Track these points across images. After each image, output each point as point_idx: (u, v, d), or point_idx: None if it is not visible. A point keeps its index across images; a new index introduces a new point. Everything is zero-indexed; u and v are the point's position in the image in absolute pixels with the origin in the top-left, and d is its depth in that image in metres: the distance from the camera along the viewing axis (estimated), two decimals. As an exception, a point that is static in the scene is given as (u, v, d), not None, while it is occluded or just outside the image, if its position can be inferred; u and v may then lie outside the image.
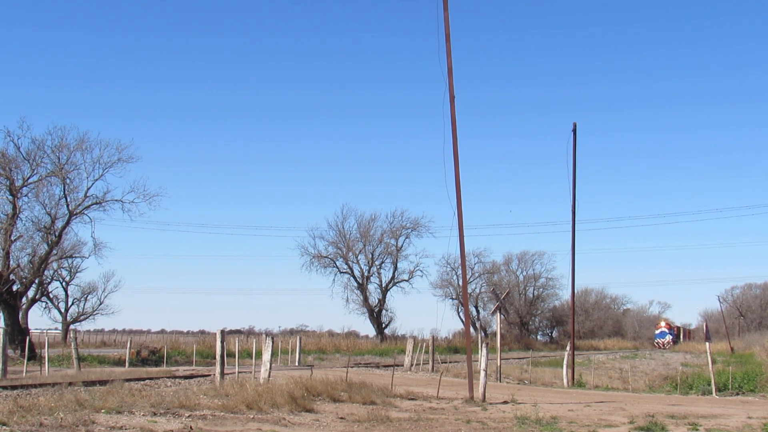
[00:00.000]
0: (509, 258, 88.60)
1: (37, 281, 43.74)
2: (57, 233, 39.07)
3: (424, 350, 36.35)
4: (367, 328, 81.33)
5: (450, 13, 19.84)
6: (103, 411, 13.28)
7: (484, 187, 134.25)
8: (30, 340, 33.20)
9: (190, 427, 12.31)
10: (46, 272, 45.99)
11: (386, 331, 71.10)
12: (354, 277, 70.59)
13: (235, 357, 25.58)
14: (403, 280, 71.56)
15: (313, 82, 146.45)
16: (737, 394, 25.97)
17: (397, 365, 32.75)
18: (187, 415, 13.66)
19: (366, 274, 70.94)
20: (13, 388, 18.90)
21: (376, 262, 71.36)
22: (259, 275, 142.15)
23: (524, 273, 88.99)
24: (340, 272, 70.46)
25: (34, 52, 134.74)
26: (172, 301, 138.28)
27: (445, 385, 21.95)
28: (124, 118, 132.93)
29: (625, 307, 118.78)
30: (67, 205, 38.75)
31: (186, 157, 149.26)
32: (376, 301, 71.02)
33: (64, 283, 55.85)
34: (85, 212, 39.59)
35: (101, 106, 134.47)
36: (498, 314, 33.31)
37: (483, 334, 76.24)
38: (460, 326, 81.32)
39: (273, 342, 22.19)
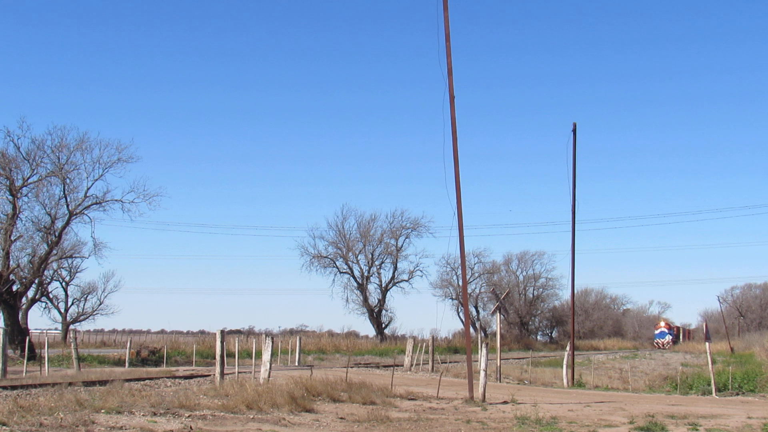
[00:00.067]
0: (509, 258, 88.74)
1: (37, 281, 43.75)
2: (57, 233, 39.08)
3: (424, 350, 36.35)
4: (367, 328, 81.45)
5: (450, 13, 19.87)
6: (103, 411, 13.28)
7: (484, 187, 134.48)
8: (30, 340, 33.18)
9: (190, 427, 12.32)
10: (46, 272, 46.00)
11: (386, 331, 71.14)
12: (354, 277, 70.66)
13: (235, 357, 25.59)
14: (403, 280, 71.65)
15: (313, 82, 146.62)
16: (737, 394, 25.97)
17: (397, 365, 32.74)
18: (187, 415, 13.66)
19: (366, 274, 70.99)
20: (13, 388, 18.90)
21: (376, 262, 71.44)
22: (259, 275, 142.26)
23: (524, 273, 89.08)
24: (340, 272, 70.56)
25: (34, 52, 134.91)
26: (172, 301, 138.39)
27: (445, 385, 21.95)
28: (124, 118, 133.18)
29: (625, 307, 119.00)
30: (67, 205, 38.80)
31: (186, 157, 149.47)
32: (376, 301, 71.04)
33: (64, 283, 55.92)
34: (85, 212, 39.65)
35: (101, 106, 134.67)
36: (498, 314, 33.31)
37: (483, 334, 76.25)
38: (460, 326, 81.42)
39: (273, 342, 22.19)
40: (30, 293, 45.30)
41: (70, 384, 18.69)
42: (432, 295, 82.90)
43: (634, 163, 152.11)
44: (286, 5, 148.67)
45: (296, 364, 36.71)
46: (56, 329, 57.09)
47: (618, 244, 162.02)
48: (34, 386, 19.05)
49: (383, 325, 71.02)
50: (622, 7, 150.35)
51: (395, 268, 71.42)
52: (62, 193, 38.53)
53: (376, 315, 70.50)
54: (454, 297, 79.38)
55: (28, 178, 37.74)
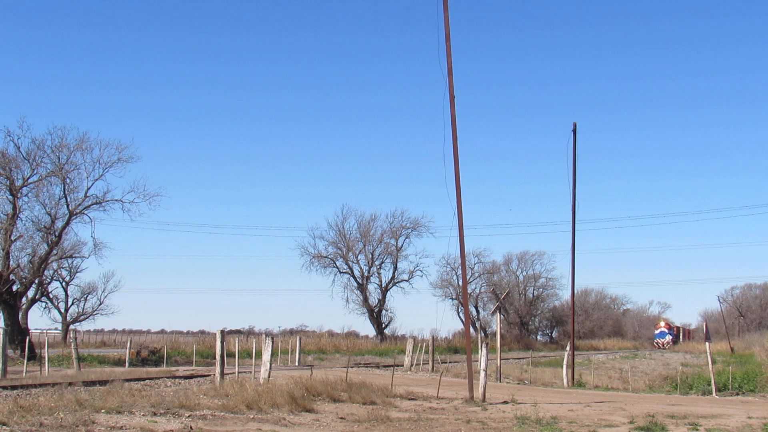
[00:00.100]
0: (509, 258, 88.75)
1: (37, 281, 43.74)
2: (57, 233, 39.07)
3: (424, 350, 36.35)
4: (367, 328, 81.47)
5: (450, 13, 19.87)
6: (103, 411, 13.28)
7: (484, 187, 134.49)
8: (30, 340, 33.18)
9: (190, 427, 12.31)
10: (46, 272, 45.99)
11: (386, 331, 71.14)
12: (354, 277, 70.66)
13: (235, 357, 25.58)
14: (403, 280, 71.65)
15: (313, 82, 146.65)
16: (737, 394, 25.97)
17: (397, 365, 32.74)
18: (187, 415, 13.66)
19: (366, 274, 70.99)
20: (13, 388, 18.90)
21: (376, 262, 71.43)
22: (259, 275, 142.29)
23: (524, 273, 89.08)
24: (340, 272, 70.56)
25: (34, 52, 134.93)
26: (172, 301, 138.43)
27: (445, 385, 21.95)
28: (124, 118, 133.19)
29: (625, 307, 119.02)
30: (67, 205, 38.80)
31: (186, 157, 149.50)
32: (376, 301, 71.04)
33: (64, 283, 55.91)
34: (85, 212, 39.65)
35: (101, 106, 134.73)
36: (498, 314, 33.30)
37: (483, 334, 76.24)
38: (460, 326, 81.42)
39: (273, 342, 22.19)
40: (30, 293, 45.30)
41: (70, 384, 18.69)
42: (432, 295, 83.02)
43: (634, 163, 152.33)
44: (286, 5, 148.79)
45: (296, 364, 36.71)
46: (56, 329, 57.11)
47: (618, 244, 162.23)
48: (34, 386, 19.04)
49: (383, 325, 71.03)
50: (622, 7, 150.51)
51: (395, 268, 71.52)
52: (62, 193, 38.58)
53: (376, 315, 70.49)
54: (454, 297, 79.39)
55: (28, 178, 37.77)
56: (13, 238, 37.33)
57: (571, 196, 31.06)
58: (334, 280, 70.44)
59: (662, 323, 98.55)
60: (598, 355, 63.74)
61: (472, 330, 59.19)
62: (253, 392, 16.15)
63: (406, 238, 71.51)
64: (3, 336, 24.65)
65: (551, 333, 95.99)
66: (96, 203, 39.48)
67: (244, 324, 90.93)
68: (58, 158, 38.12)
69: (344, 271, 70.54)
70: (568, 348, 30.84)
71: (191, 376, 25.38)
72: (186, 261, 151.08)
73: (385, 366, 35.95)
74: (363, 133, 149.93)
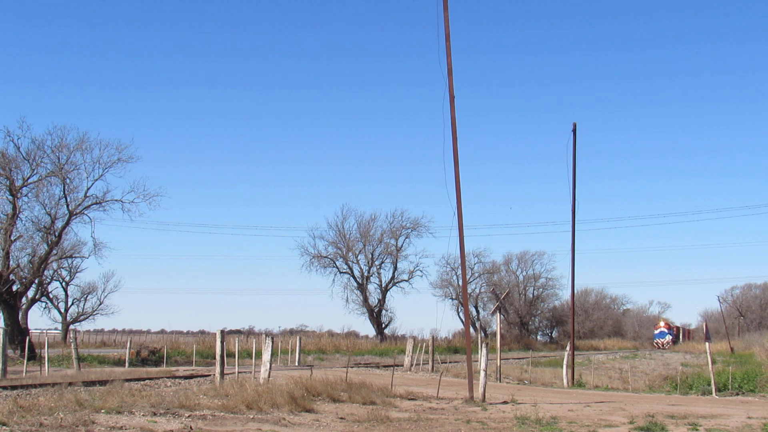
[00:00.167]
0: (509, 258, 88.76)
1: (37, 281, 43.75)
2: (57, 233, 39.08)
3: (424, 350, 36.35)
4: (366, 328, 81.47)
5: (450, 13, 19.86)
6: (103, 411, 13.28)
7: (484, 187, 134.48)
8: (30, 340, 33.18)
9: (190, 427, 12.32)
10: (46, 272, 45.99)
11: (386, 331, 71.15)
12: (354, 277, 70.67)
13: (235, 357, 25.59)
14: (403, 280, 71.66)
15: (313, 82, 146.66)
16: (737, 394, 25.97)
17: (397, 365, 32.74)
18: (187, 415, 13.66)
19: (366, 274, 71.00)
20: (13, 388, 18.90)
21: (376, 262, 71.45)
22: (259, 275, 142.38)
23: (524, 273, 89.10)
24: (340, 272, 70.57)
25: (34, 52, 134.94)
26: (172, 301, 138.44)
27: (445, 385, 21.95)
28: (124, 118, 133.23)
29: (625, 307, 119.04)
30: (67, 205, 38.80)
31: (186, 157, 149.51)
32: (376, 301, 71.05)
33: (63, 283, 55.92)
34: (85, 212, 39.65)
35: (101, 106, 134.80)
36: (498, 314, 33.30)
37: (483, 334, 76.24)
38: (460, 326, 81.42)
39: (273, 342, 22.19)
40: (30, 293, 45.31)
41: (70, 384, 18.69)
42: (432, 295, 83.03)
43: (634, 163, 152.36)
44: (286, 5, 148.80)
45: (296, 364, 36.72)
46: (56, 329, 57.10)
47: (618, 244, 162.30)
48: (34, 386, 19.05)
49: (383, 325, 71.03)
50: (622, 7, 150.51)
51: (395, 268, 71.53)
52: (62, 193, 38.58)
53: (376, 315, 70.50)
54: (454, 297, 79.39)
55: (28, 178, 37.77)
56: (13, 238, 37.34)
57: (571, 196, 31.10)
58: (334, 280, 70.57)
59: (662, 323, 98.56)
60: (598, 355, 63.74)
61: (472, 330, 59.19)
62: (253, 392, 16.15)
63: (406, 238, 71.61)
64: (3, 336, 24.65)
65: (551, 333, 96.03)
66: (96, 203, 39.52)
67: (244, 324, 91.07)
68: (58, 158, 38.18)
69: (344, 271, 70.62)
70: (568, 348, 30.84)
71: (191, 376, 25.38)
72: (186, 261, 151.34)
73: (385, 366, 35.95)
74: (363, 133, 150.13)
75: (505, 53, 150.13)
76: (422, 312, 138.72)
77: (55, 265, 48.98)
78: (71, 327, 55.71)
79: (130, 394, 16.36)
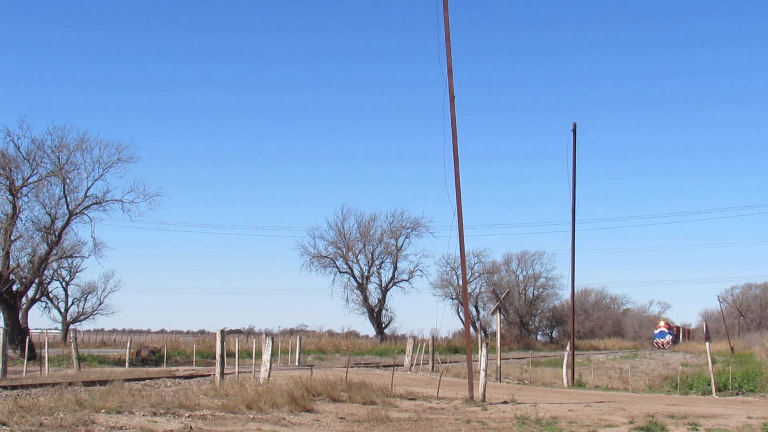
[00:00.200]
0: (509, 258, 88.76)
1: (37, 281, 43.74)
2: (57, 233, 39.08)
3: (424, 350, 36.35)
4: (367, 328, 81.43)
5: (450, 13, 19.86)
6: (103, 411, 13.28)
7: (484, 187, 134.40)
8: (30, 340, 33.18)
9: (190, 427, 12.32)
10: (46, 272, 45.98)
11: (386, 331, 71.15)
12: (354, 277, 70.68)
13: (235, 357, 25.59)
14: (403, 280, 71.66)
15: (313, 82, 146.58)
16: (737, 394, 25.97)
17: (397, 365, 32.74)
18: (187, 415, 13.66)
19: (366, 274, 71.00)
20: (13, 388, 18.90)
21: (376, 262, 71.45)
22: (259, 275, 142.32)
23: (524, 273, 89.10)
24: (340, 272, 70.57)
25: (34, 52, 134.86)
26: (172, 301, 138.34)
27: (445, 385, 21.95)
28: (124, 118, 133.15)
29: (625, 307, 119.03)
30: (67, 205, 38.80)
31: (186, 157, 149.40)
32: (376, 301, 71.05)
33: (64, 283, 55.90)
34: (85, 212, 39.66)
35: (101, 106, 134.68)
36: (498, 314, 33.31)
37: (483, 334, 76.24)
38: (460, 326, 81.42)
39: (273, 342, 22.19)
40: (30, 293, 45.31)
41: (70, 384, 18.69)
42: (432, 295, 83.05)
43: (634, 163, 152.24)
44: (286, 5, 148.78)
45: (296, 364, 36.72)
46: (56, 329, 57.10)
47: (618, 244, 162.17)
48: (34, 386, 19.05)
49: (383, 325, 71.03)
50: (622, 7, 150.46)
51: (395, 268, 71.53)
52: (62, 193, 38.59)
53: (376, 315, 70.50)
54: (454, 297, 79.40)
55: (28, 178, 37.77)
56: (13, 238, 37.34)
57: (571, 196, 31.10)
58: (334, 280, 70.58)
59: (662, 323, 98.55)
60: (598, 355, 63.75)
61: (472, 330, 59.17)
62: (253, 392, 16.15)
63: (406, 238, 71.62)
64: (3, 336, 24.65)
65: (551, 333, 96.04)
66: (96, 203, 39.53)
67: (244, 324, 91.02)
68: (58, 158, 38.18)
69: (344, 271, 70.63)
70: (568, 348, 30.84)
71: (191, 376, 25.38)
72: (186, 261, 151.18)
73: (385, 366, 35.95)
74: (363, 133, 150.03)
75: (505, 53, 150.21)
76: (422, 312, 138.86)
77: (55, 265, 48.99)
78: (71, 327, 55.71)
79: (130, 394, 16.36)
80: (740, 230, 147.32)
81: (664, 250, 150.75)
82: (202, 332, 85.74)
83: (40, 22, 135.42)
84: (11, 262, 37.32)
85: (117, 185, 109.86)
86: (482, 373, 19.15)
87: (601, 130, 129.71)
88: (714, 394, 24.51)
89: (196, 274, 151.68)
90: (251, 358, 27.01)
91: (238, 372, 22.86)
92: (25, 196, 38.07)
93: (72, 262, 51.71)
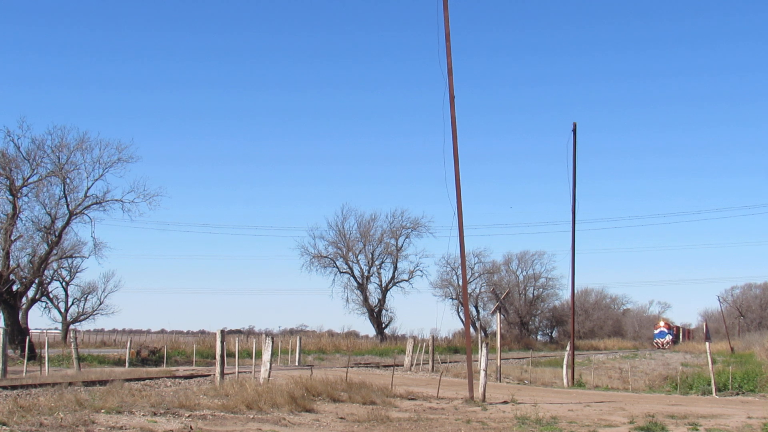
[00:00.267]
0: (509, 258, 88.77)
1: (37, 281, 43.74)
2: (57, 233, 39.08)
3: (424, 350, 36.35)
4: (367, 328, 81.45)
5: (450, 13, 19.86)
6: (103, 411, 13.27)
7: (484, 187, 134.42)
8: (30, 340, 33.18)
9: (190, 427, 12.32)
10: (46, 272, 45.99)
11: (386, 331, 71.15)
12: (354, 277, 70.67)
13: (235, 357, 25.59)
14: (403, 280, 71.66)
15: (313, 82, 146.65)
16: (737, 394, 25.97)
17: (397, 365, 32.74)
18: (187, 415, 13.66)
19: (366, 274, 71.00)
20: (13, 388, 18.90)
21: (376, 262, 71.45)
22: (259, 275, 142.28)
23: (524, 273, 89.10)
24: (340, 272, 70.57)
25: (34, 52, 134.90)
26: (172, 301, 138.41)
27: (445, 385, 21.95)
28: (124, 118, 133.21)
29: (625, 307, 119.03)
30: (67, 205, 38.80)
31: (186, 157, 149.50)
32: (376, 301, 71.05)
33: (64, 283, 55.90)
34: (85, 212, 39.66)
35: (101, 106, 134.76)
36: (498, 314, 33.30)
37: (483, 334, 76.25)
38: (460, 326, 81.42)
39: (273, 342, 22.19)
40: (30, 293, 45.32)
41: (70, 384, 18.69)
42: (432, 295, 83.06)
43: (634, 163, 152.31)
44: (286, 5, 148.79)
45: (296, 364, 36.72)
46: (56, 329, 57.10)
47: (618, 244, 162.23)
48: (34, 386, 19.05)
49: (383, 325, 71.03)
50: (622, 7, 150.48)
51: (395, 268, 71.53)
52: (62, 193, 38.59)
53: (376, 315, 70.50)
54: (454, 297, 79.40)
55: (28, 178, 37.77)
56: (13, 238, 37.33)
57: (571, 196, 31.10)
58: (334, 280, 70.58)
59: (662, 323, 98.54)
60: (598, 355, 63.74)
61: (472, 330, 59.16)
62: (253, 392, 16.15)
63: (406, 238, 71.62)
64: (3, 336, 24.65)
65: (551, 333, 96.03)
66: (96, 203, 39.52)
67: (244, 324, 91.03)
68: (58, 158, 38.18)
69: (344, 271, 70.63)
70: (568, 348, 30.83)
71: (191, 376, 25.38)
72: (186, 261, 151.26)
73: (385, 366, 35.95)
74: (363, 133, 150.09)
75: (505, 53, 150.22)
76: (422, 312, 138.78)
77: (55, 265, 48.99)
78: (71, 327, 55.69)
79: (130, 394, 16.36)
80: (740, 230, 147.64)
81: (664, 250, 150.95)
82: (202, 332, 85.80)
83: (40, 22, 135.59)
84: (11, 262, 37.32)
85: (117, 185, 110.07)
86: (482, 373, 19.15)
87: (601, 130, 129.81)
88: (714, 394, 24.51)
89: (196, 274, 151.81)
90: (251, 358, 27.01)
91: (238, 372, 22.86)
92: (25, 196, 38.12)
93: (72, 262, 51.77)
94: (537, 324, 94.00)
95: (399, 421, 14.40)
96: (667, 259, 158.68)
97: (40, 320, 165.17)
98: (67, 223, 39.06)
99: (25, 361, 28.48)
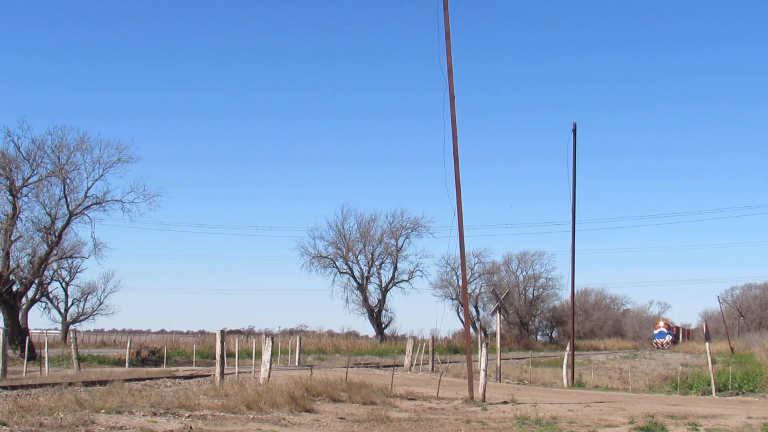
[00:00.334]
0: (509, 258, 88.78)
1: (37, 281, 43.74)
2: (57, 233, 39.06)
3: (424, 350, 36.35)
4: (366, 328, 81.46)
5: (450, 13, 19.86)
6: (103, 411, 13.28)
7: (484, 187, 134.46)
8: (30, 341, 33.17)
9: (190, 427, 12.32)
10: (46, 272, 45.99)
11: (386, 331, 71.14)
12: (354, 277, 70.65)
13: (235, 357, 25.59)
14: (403, 281, 71.64)
15: (313, 82, 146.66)
16: (737, 394, 25.97)
17: (397, 365, 32.73)
18: (187, 415, 13.66)
19: (366, 274, 70.99)
20: (13, 388, 18.90)
21: (376, 263, 71.44)
22: (259, 275, 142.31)
23: (524, 273, 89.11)
24: (340, 272, 70.56)
25: (34, 52, 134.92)
26: (172, 301, 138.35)
27: (445, 385, 21.95)
28: (124, 118, 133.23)
29: (624, 308, 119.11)
30: (67, 205, 38.78)
31: (186, 157, 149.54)
32: (376, 301, 71.04)
33: (63, 284, 55.90)
34: (85, 212, 39.63)
35: (101, 106, 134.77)
36: (498, 314, 33.30)
37: (483, 334, 76.25)
38: (460, 326, 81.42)
39: (273, 342, 22.19)
40: (30, 293, 45.29)
41: (70, 384, 18.69)
42: (432, 295, 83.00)
43: (634, 163, 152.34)
44: (286, 5, 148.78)
45: (296, 364, 36.71)
46: (56, 329, 57.09)
47: (618, 244, 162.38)
48: (34, 386, 19.05)
49: (383, 325, 71.02)
50: (622, 7, 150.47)
51: (395, 268, 71.52)
52: (62, 193, 38.56)
53: (376, 315, 70.49)
54: (454, 297, 79.39)
55: (28, 178, 37.75)
56: (13, 238, 37.32)
57: (571, 196, 31.10)
58: (334, 280, 70.57)
59: (661, 323, 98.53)
60: (598, 355, 63.74)
61: (472, 330, 59.20)
62: (253, 392, 16.15)
63: (406, 238, 71.61)
64: (3, 336, 24.64)
65: (551, 333, 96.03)
66: (96, 203, 39.50)
67: (244, 324, 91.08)
68: (58, 158, 38.15)
69: (344, 271, 70.62)
70: (568, 348, 30.83)
71: (191, 376, 25.38)
72: (186, 261, 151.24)
73: (385, 366, 35.95)
74: (363, 133, 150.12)
75: (505, 53, 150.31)
76: (422, 312, 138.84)
77: (55, 265, 49.00)
78: (71, 327, 55.70)
79: (130, 394, 16.36)
80: (740, 230, 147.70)
81: (664, 250, 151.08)
82: (202, 332, 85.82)
83: (40, 22, 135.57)
84: (11, 262, 37.31)
85: (117, 185, 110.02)
86: (482, 374, 19.15)
87: (601, 130, 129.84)
88: (714, 394, 24.52)
89: (196, 274, 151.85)
90: (251, 359, 27.01)
91: (238, 372, 22.86)
92: (25, 196, 38.10)
93: (72, 262, 51.78)
94: (537, 324, 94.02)
95: (399, 422, 14.40)
96: (667, 259, 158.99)
97: (40, 320, 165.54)
98: (67, 224, 39.06)
99: (25, 361, 28.47)
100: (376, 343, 65.46)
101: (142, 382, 21.96)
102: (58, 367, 29.51)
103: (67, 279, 55.52)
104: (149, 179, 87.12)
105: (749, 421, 15.04)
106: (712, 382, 25.36)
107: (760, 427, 14.26)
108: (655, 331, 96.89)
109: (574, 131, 31.43)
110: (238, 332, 75.21)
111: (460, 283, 67.11)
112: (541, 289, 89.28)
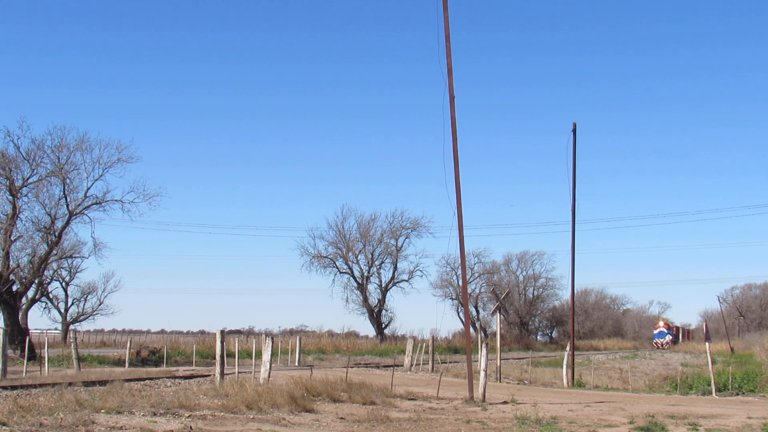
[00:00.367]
0: (509, 258, 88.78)
1: (37, 281, 43.73)
2: (57, 233, 39.06)
3: (424, 350, 36.35)
4: (366, 328, 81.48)
5: (450, 13, 19.86)
6: (103, 411, 13.28)
7: (484, 187, 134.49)
8: (30, 341, 33.17)
9: (190, 427, 12.32)
10: (45, 272, 45.98)
11: (386, 331, 71.14)
12: (354, 277, 70.66)
13: (235, 357, 25.59)
14: (403, 280, 71.65)
15: (313, 82, 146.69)
16: (737, 394, 25.97)
17: (397, 365, 32.73)
18: (187, 415, 13.66)
19: (366, 274, 70.99)
20: (13, 388, 18.90)
21: (376, 262, 71.44)
22: (259, 275, 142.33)
23: (524, 273, 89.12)
24: (340, 272, 70.57)
25: (34, 52, 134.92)
26: (172, 301, 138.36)
27: (445, 386, 21.95)
28: (124, 118, 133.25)
29: (624, 307, 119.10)
30: (67, 205, 38.77)
31: (186, 157, 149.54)
32: (376, 301, 71.04)
33: (63, 284, 55.90)
34: (85, 212, 39.62)
35: (101, 106, 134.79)
36: (498, 314, 33.30)
37: (483, 334, 76.25)
38: (460, 326, 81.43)
39: (273, 342, 22.19)
40: (30, 293, 45.29)
41: (70, 384, 18.69)
42: (432, 295, 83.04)
43: (634, 163, 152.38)
44: (286, 5, 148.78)
45: (296, 364, 36.71)
46: (56, 329, 57.10)
47: (618, 244, 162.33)
48: (34, 386, 19.05)
49: (383, 325, 71.02)
50: (622, 7, 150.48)
51: (395, 268, 71.53)
52: (62, 193, 38.56)
53: (376, 315, 70.49)
54: (454, 297, 79.40)
55: (28, 178, 37.74)
56: (13, 238, 37.32)
57: (571, 196, 31.10)
58: (334, 280, 70.58)
59: (661, 323, 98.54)
60: (598, 355, 63.74)
61: (472, 330, 59.19)
62: (253, 392, 16.15)
63: (406, 238, 71.61)
64: (3, 336, 24.64)
65: (551, 333, 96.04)
66: (96, 203, 39.49)
67: (244, 324, 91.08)
68: (58, 158, 38.14)
69: (344, 271, 70.62)
70: (568, 348, 30.84)
71: (191, 376, 25.38)
72: (186, 261, 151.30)
73: (385, 366, 35.95)
74: (363, 133, 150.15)
75: (505, 53, 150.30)
76: (422, 312, 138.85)
77: (55, 265, 48.99)
78: (71, 327, 55.69)
79: (130, 394, 16.36)
80: (740, 230, 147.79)
81: (664, 250, 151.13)
82: (202, 332, 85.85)
83: (40, 22, 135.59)
84: (11, 262, 37.31)
85: (117, 185, 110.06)
86: (482, 374, 19.15)
87: (601, 130, 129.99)
88: (714, 394, 24.52)
89: (196, 274, 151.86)
90: (251, 359, 27.01)
91: (238, 372, 22.86)
92: (25, 196, 38.09)
93: (72, 262, 51.77)
94: (537, 324, 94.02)
95: (399, 421, 14.40)
96: (667, 259, 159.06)
97: (40, 320, 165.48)
98: (67, 224, 39.05)
99: (25, 361, 28.47)
100: (376, 343, 65.46)
101: (142, 382, 21.96)
102: (58, 367, 29.51)
103: (67, 279, 55.60)
104: (149, 179, 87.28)
105: (749, 421, 15.04)
106: (712, 382, 25.36)
107: (760, 427, 14.26)
108: (655, 331, 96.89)
109: (574, 131, 31.46)
110: (238, 332, 75.20)
111: (460, 283, 67.14)
112: (541, 289, 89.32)
